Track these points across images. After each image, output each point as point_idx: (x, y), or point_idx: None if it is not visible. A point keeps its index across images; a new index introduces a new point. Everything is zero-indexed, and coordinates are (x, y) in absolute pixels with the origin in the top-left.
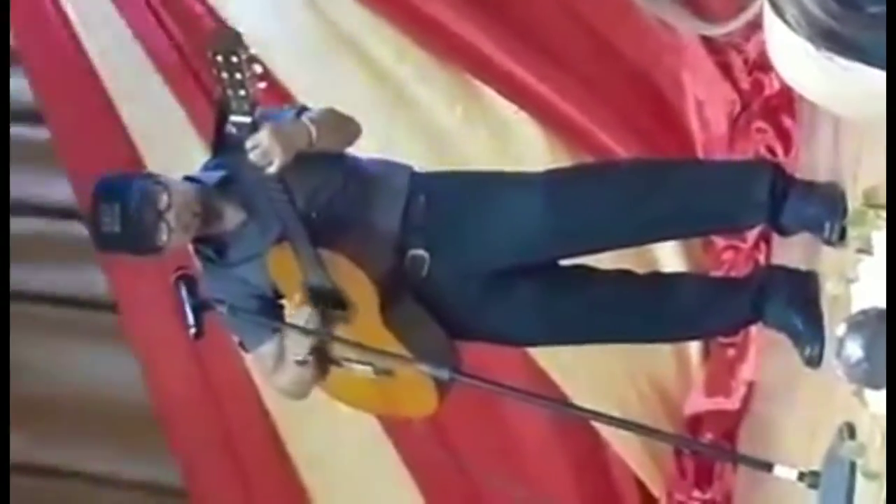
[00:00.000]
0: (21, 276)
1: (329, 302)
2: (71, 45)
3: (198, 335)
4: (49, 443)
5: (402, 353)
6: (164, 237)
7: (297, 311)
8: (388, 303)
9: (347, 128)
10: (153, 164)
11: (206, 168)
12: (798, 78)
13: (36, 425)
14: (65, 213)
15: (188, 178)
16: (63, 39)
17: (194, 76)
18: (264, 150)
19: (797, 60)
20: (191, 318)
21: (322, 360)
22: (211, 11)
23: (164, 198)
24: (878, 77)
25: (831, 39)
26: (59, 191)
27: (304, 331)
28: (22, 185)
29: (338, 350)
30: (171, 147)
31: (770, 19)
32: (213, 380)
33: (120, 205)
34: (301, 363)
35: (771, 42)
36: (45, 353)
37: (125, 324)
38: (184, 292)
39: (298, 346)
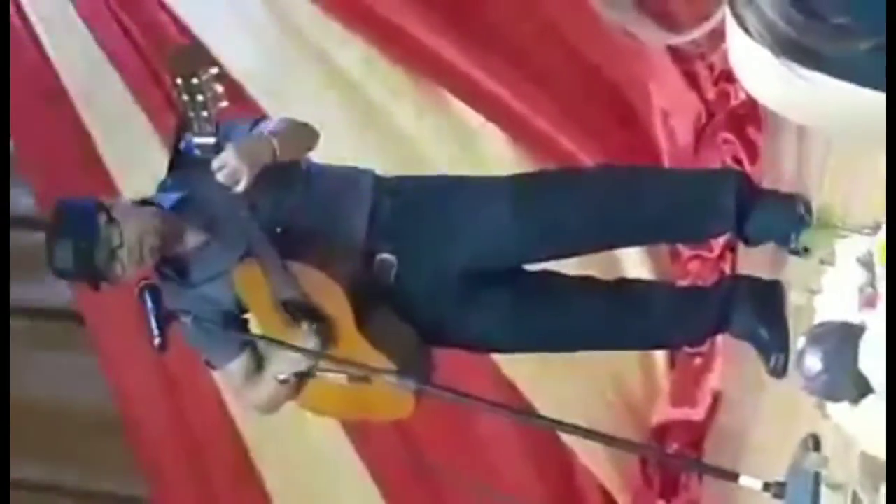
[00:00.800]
0: None
1: (303, 314)
2: (41, 63)
3: (162, 346)
4: (16, 456)
5: (370, 365)
6: (118, 272)
7: (302, 335)
8: (361, 310)
9: (306, 135)
10: (122, 178)
11: (162, 188)
12: (759, 88)
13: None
14: (28, 224)
15: (144, 202)
16: (30, 50)
17: (161, 89)
18: (231, 170)
19: (759, 70)
20: (155, 329)
21: (301, 375)
22: (177, 23)
23: (117, 236)
24: (840, 88)
25: (793, 49)
26: (22, 202)
27: (308, 353)
28: None
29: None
30: (136, 156)
31: (732, 29)
32: (178, 389)
33: (72, 243)
34: (284, 382)
35: (733, 52)
36: (11, 365)
37: (91, 335)
38: (148, 303)
39: (285, 365)
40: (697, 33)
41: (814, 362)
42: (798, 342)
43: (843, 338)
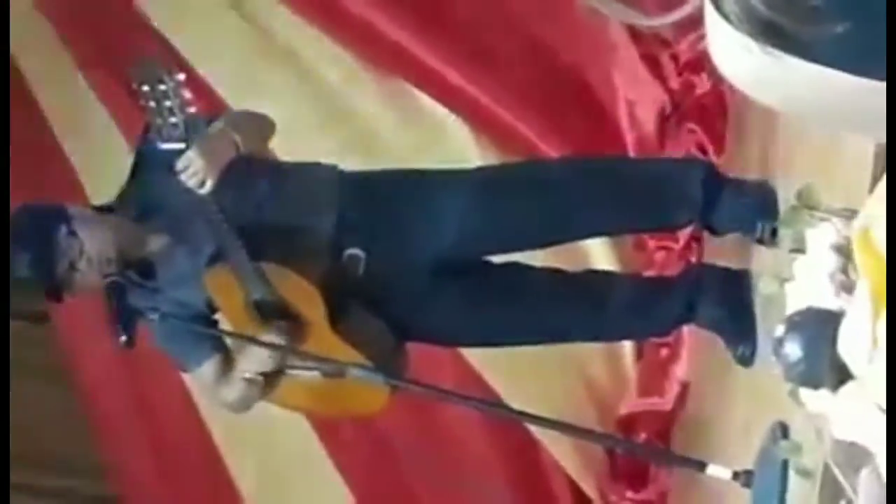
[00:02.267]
0: None
1: (276, 314)
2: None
3: (129, 344)
4: None
5: (339, 359)
6: (79, 284)
7: (266, 332)
8: (333, 306)
9: (263, 125)
10: (89, 182)
11: (124, 195)
12: (735, 72)
13: None
14: None
15: (106, 208)
16: None
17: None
18: (196, 170)
19: (735, 54)
20: (121, 327)
21: (271, 374)
22: (142, 21)
23: (77, 249)
24: (815, 71)
25: (771, 33)
26: None
27: (272, 346)
28: None
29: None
30: (106, 164)
31: (709, 13)
32: (145, 387)
33: (31, 255)
34: (250, 381)
35: (709, 36)
36: None
37: (59, 336)
38: (114, 300)
39: (253, 365)
40: (673, 17)
41: (793, 349)
42: (776, 329)
43: (822, 324)
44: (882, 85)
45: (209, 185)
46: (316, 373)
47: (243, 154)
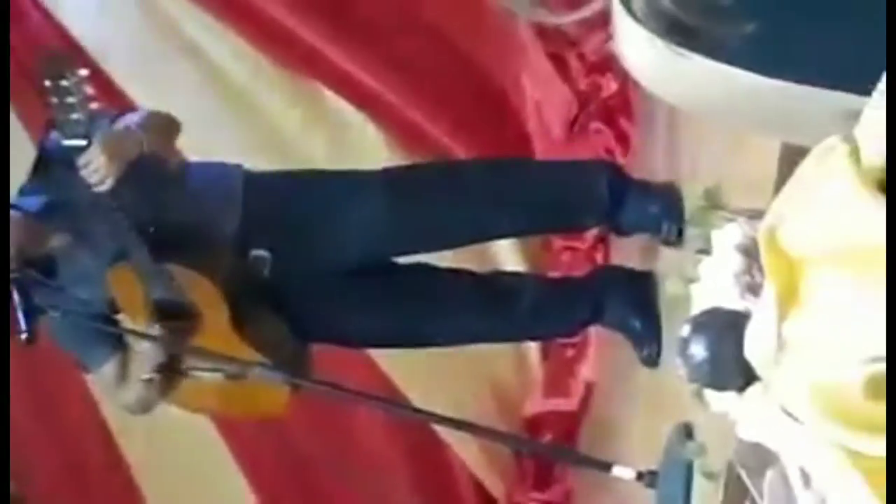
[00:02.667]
0: None
1: (176, 314)
2: None
3: (30, 340)
4: None
5: (238, 359)
6: None
7: (147, 327)
8: (236, 307)
9: (170, 125)
10: None
11: (23, 192)
12: (642, 70)
13: None
14: None
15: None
16: None
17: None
18: (98, 166)
19: (642, 52)
20: (23, 323)
21: (169, 375)
22: (46, 16)
23: None
24: (720, 70)
25: (678, 31)
26: None
27: (151, 338)
28: None
29: (185, 362)
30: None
31: (617, 11)
32: (44, 384)
33: None
34: (147, 381)
35: (617, 34)
36: None
37: None
38: (16, 296)
39: (143, 365)
40: (580, 15)
41: (698, 350)
42: (682, 329)
43: (728, 325)
44: (789, 85)
45: (109, 182)
46: (218, 374)
47: (147, 153)
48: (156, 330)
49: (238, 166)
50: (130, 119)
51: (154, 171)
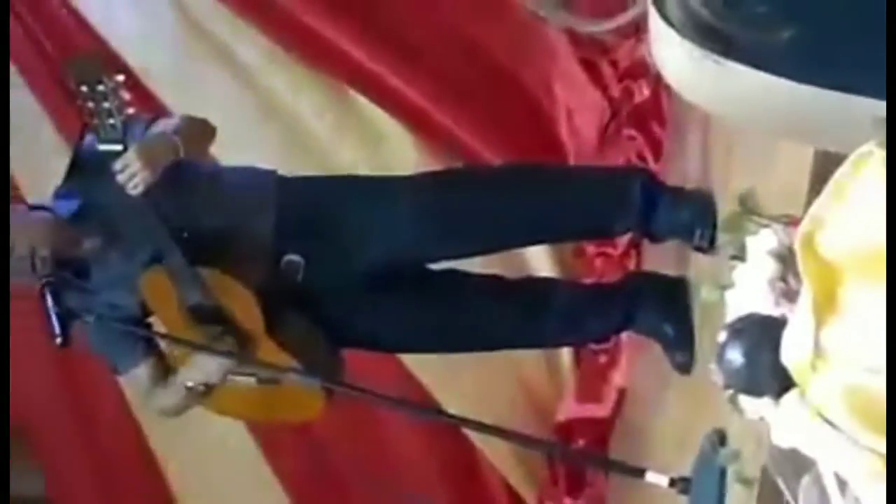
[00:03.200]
0: None
1: (212, 319)
2: None
3: (64, 344)
4: None
5: (274, 364)
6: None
7: (217, 342)
8: (269, 312)
9: (204, 131)
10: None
11: (58, 194)
12: (680, 79)
13: None
14: None
15: (41, 208)
16: None
17: (61, 85)
18: (133, 171)
19: (679, 61)
20: (56, 327)
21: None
22: (79, 20)
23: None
24: (757, 78)
25: (715, 39)
26: None
27: (225, 353)
28: None
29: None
30: (42, 161)
31: (653, 19)
32: (78, 388)
33: None
34: (191, 389)
35: (654, 42)
36: None
37: None
38: (49, 300)
39: (199, 375)
40: (616, 23)
41: (734, 356)
42: (718, 336)
43: (764, 331)
44: (824, 92)
45: (141, 187)
46: (251, 379)
47: (182, 159)
48: (225, 344)
49: (271, 171)
50: (166, 124)
51: (187, 176)
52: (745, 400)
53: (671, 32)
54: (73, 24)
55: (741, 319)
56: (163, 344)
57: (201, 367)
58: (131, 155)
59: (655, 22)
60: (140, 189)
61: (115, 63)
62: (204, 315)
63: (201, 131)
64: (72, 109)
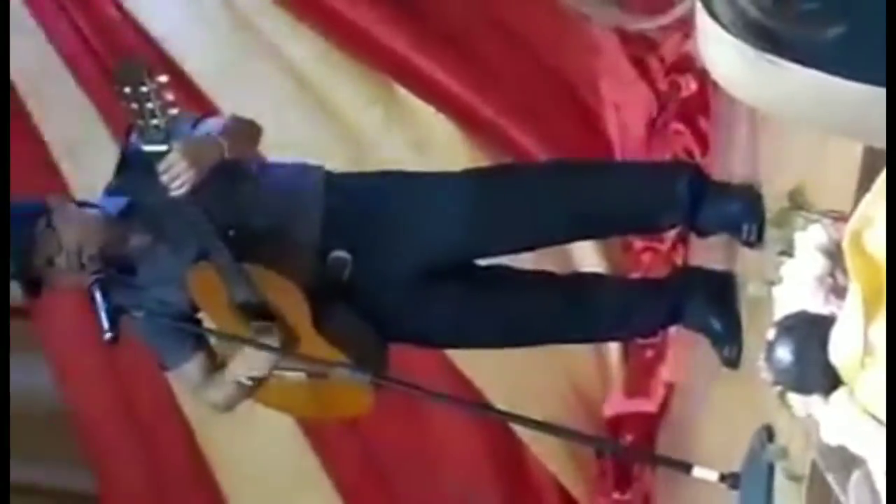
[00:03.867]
0: None
1: (260, 315)
2: None
3: (113, 340)
4: None
5: (324, 358)
6: (55, 279)
7: (263, 336)
8: (317, 308)
9: (252, 132)
10: (73, 174)
11: (108, 192)
12: (730, 78)
13: None
14: None
15: (90, 205)
16: None
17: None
18: (176, 172)
19: (729, 60)
20: (106, 323)
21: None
22: (127, 17)
23: (54, 243)
24: (808, 76)
25: (762, 36)
26: None
27: (268, 348)
28: None
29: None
30: (91, 157)
31: (701, 18)
32: (127, 384)
33: (9, 247)
34: (240, 383)
35: (702, 42)
36: None
37: (38, 329)
38: (98, 296)
39: (247, 369)
40: (664, 20)
41: (783, 354)
42: (767, 333)
43: (813, 329)
44: (877, 90)
45: (186, 187)
46: (301, 374)
47: (228, 159)
48: (273, 339)
49: (319, 167)
50: (212, 125)
51: (234, 173)
52: (793, 397)
53: (720, 31)
54: (121, 21)
55: (790, 317)
56: (212, 339)
57: (248, 361)
58: (175, 156)
59: (703, 20)
60: (183, 190)
61: (162, 61)
62: (251, 311)
63: (248, 132)
64: (121, 106)
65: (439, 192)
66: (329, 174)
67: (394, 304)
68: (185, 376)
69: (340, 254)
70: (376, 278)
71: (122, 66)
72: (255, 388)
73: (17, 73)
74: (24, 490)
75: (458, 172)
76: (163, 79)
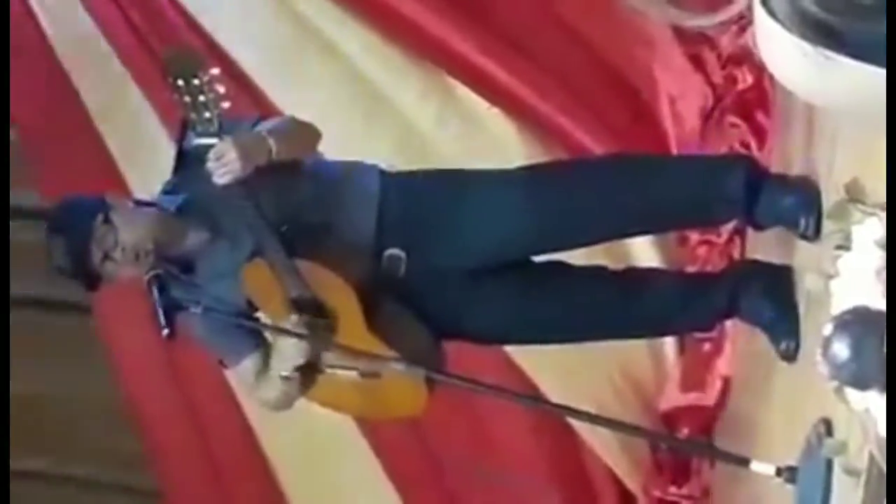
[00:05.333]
0: None
1: (312, 311)
2: (42, 51)
3: (171, 336)
4: (29, 448)
5: (378, 354)
6: (111, 274)
7: (289, 323)
8: (369, 306)
9: (307, 136)
10: (131, 174)
11: (166, 189)
12: (791, 76)
13: (14, 431)
14: (35, 216)
15: (147, 203)
16: (33, 41)
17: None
18: (224, 161)
19: (789, 58)
20: (163, 319)
21: (307, 372)
22: (182, 13)
23: (112, 239)
24: (865, 70)
25: (819, 32)
26: (28, 195)
27: (297, 335)
28: None
29: (322, 358)
30: (148, 156)
31: (760, 16)
32: (188, 382)
33: (66, 243)
34: (286, 379)
35: (761, 39)
36: (21, 359)
37: (99, 327)
38: (156, 293)
39: (285, 363)
40: (722, 17)
41: (841, 349)
42: (824, 328)
43: (871, 325)
44: None
45: (230, 178)
46: (353, 373)
47: (279, 159)
48: (300, 327)
49: (374, 166)
50: (268, 126)
51: (289, 170)
52: (850, 392)
53: (777, 27)
54: (175, 16)
55: (847, 312)
56: (269, 336)
57: (281, 353)
58: (226, 145)
59: (761, 16)
60: (226, 180)
61: (215, 55)
62: (305, 307)
63: (303, 135)
64: (173, 99)
65: (495, 191)
66: (385, 173)
67: (450, 301)
68: (242, 374)
69: (395, 252)
70: (432, 276)
71: (174, 58)
72: (305, 385)
73: (72, 69)
74: (90, 485)
75: (514, 170)
76: (214, 71)
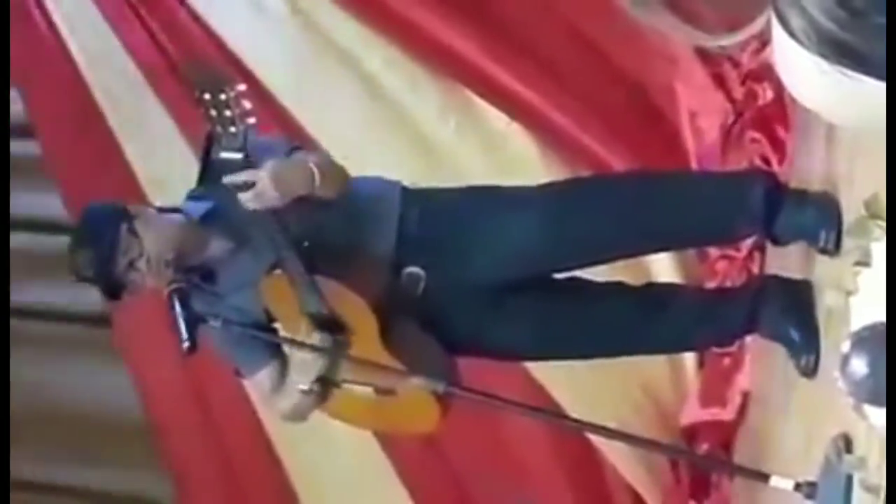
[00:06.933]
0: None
1: (328, 327)
2: (66, 65)
3: (191, 349)
4: (42, 458)
5: (397, 368)
6: (137, 283)
7: (307, 338)
8: (386, 324)
9: (344, 177)
10: (149, 181)
11: (190, 197)
12: (810, 95)
13: (27, 441)
14: (54, 228)
15: (171, 210)
16: (55, 52)
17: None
18: (257, 191)
19: (809, 77)
20: (184, 332)
21: (322, 386)
22: (203, 28)
23: (136, 248)
24: (885, 89)
25: (837, 50)
26: (49, 204)
27: (314, 349)
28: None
29: (338, 373)
30: (167, 166)
31: (778, 35)
32: (206, 392)
33: (92, 251)
34: (305, 392)
35: (780, 58)
36: (36, 369)
37: (117, 338)
38: (177, 305)
39: (303, 376)
40: (739, 37)
41: (859, 366)
42: (843, 345)
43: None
44: None
45: (258, 205)
46: (368, 388)
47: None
48: (318, 341)
49: (396, 183)
50: (313, 159)
51: None
52: (869, 408)
53: (795, 44)
54: (196, 30)
55: (866, 329)
56: (287, 349)
57: (298, 367)
58: (263, 175)
59: (779, 34)
60: (256, 206)
61: (238, 70)
62: (322, 322)
63: (341, 177)
64: (197, 114)
65: (516, 207)
66: (406, 190)
67: (469, 318)
68: (259, 385)
69: (415, 269)
70: (451, 294)
71: (201, 72)
72: (320, 398)
73: (93, 81)
74: (108, 499)
75: (534, 187)
76: (241, 87)
